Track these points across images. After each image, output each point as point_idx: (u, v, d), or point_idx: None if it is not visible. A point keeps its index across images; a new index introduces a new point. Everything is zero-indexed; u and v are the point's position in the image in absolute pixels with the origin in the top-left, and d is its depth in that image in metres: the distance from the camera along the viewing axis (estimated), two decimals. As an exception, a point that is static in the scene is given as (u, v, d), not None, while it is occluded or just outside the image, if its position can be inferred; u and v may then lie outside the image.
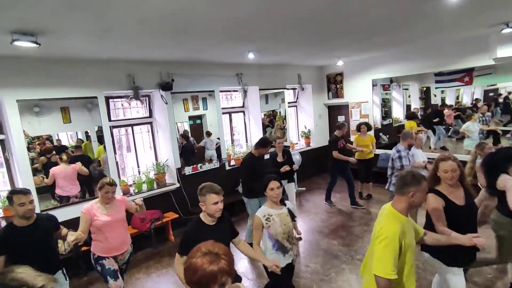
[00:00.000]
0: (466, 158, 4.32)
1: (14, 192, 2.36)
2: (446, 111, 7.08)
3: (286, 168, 4.46)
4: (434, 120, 7.11)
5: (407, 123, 6.78)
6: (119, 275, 2.85)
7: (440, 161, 2.31)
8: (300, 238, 4.61)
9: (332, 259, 3.95)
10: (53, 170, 4.16)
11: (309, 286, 3.42)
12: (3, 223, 3.78)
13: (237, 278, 2.54)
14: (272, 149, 4.66)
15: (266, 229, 2.49)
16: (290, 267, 2.69)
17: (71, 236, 2.50)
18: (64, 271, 2.73)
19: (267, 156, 4.79)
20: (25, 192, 2.38)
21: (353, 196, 5.73)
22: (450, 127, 7.19)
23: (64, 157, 4.25)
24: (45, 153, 4.13)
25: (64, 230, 2.75)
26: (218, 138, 5.94)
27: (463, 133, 6.25)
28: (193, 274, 1.16)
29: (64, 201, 4.24)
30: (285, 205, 2.63)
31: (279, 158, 4.71)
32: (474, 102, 6.98)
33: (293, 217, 2.63)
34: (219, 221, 2.26)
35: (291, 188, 4.80)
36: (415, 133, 4.86)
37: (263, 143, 4.24)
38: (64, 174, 4.25)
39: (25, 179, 3.78)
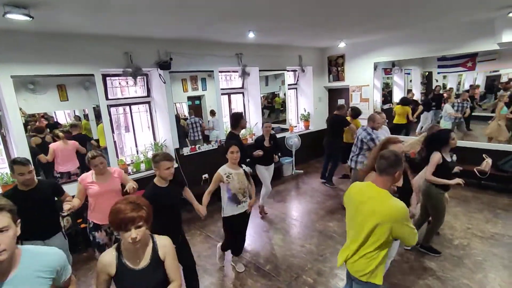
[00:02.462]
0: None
1: (15, 162, 2.58)
2: (445, 95, 7.02)
3: (258, 152, 4.49)
4: (433, 104, 7.10)
5: (400, 108, 6.82)
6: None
7: (387, 144, 2.69)
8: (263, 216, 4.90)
9: (326, 239, 4.03)
10: (52, 145, 4.17)
11: (303, 265, 3.51)
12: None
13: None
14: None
15: (226, 184, 3.10)
16: (245, 216, 3.33)
17: (66, 205, 2.71)
18: (64, 231, 2.99)
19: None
20: (25, 163, 2.58)
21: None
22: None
23: (61, 134, 4.23)
24: (37, 132, 4.09)
25: (68, 197, 2.96)
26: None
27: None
28: (116, 215, 1.52)
29: (65, 177, 4.26)
30: (241, 167, 3.25)
31: (266, 143, 4.72)
32: (469, 87, 6.94)
33: (248, 176, 3.24)
34: (170, 182, 2.63)
35: (270, 171, 4.84)
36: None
37: (239, 116, 4.42)
38: (63, 150, 4.25)
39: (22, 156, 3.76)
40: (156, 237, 1.72)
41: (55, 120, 4.35)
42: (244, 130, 4.45)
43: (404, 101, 6.94)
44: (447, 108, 6.38)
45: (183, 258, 2.56)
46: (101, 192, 2.99)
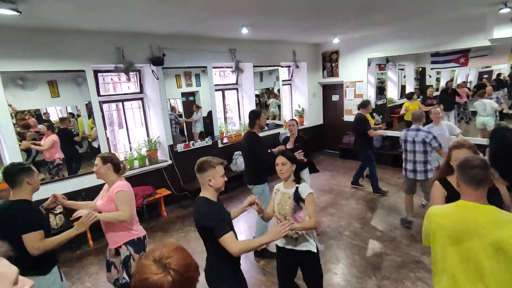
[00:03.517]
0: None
1: (30, 169, 2.06)
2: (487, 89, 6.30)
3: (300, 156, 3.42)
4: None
5: (417, 103, 6.43)
6: (111, 268, 2.52)
7: (453, 149, 2.19)
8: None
9: (321, 235, 4.05)
10: (52, 137, 4.20)
11: (297, 260, 3.53)
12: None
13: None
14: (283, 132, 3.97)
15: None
16: (294, 256, 2.32)
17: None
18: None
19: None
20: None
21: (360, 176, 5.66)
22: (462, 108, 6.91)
23: (44, 128, 4.21)
24: (25, 129, 4.04)
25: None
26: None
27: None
28: (137, 274, 0.95)
29: (49, 165, 4.25)
30: (298, 184, 2.32)
31: (289, 145, 3.99)
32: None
33: (297, 200, 2.25)
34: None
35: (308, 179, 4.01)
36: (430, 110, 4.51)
37: (257, 114, 3.64)
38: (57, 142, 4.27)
39: (12, 154, 3.71)
40: None
41: (44, 117, 4.29)
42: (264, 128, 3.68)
43: (409, 96, 6.67)
44: (491, 103, 5.89)
45: None
46: (98, 208, 2.41)
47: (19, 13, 2.71)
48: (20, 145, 3.83)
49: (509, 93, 6.56)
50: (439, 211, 1.63)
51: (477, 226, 1.44)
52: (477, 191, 1.48)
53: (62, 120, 4.41)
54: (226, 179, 1.97)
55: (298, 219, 2.24)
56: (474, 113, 6.43)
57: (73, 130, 4.54)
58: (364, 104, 5.31)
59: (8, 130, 3.67)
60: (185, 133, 5.84)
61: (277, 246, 2.40)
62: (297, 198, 2.24)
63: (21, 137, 3.96)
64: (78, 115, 4.54)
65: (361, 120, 5.20)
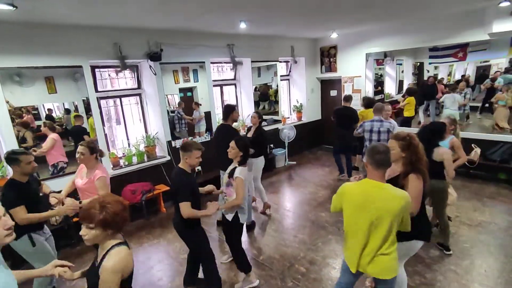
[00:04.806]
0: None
1: (21, 153, 2.56)
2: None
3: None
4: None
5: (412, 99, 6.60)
6: None
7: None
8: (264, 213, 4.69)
9: (319, 230, 4.08)
10: (53, 135, 4.13)
11: (296, 255, 3.56)
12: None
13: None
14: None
15: None
16: (223, 222, 2.99)
17: (53, 199, 2.77)
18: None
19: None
20: (28, 151, 2.65)
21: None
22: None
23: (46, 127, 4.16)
24: (24, 128, 3.98)
25: (44, 186, 2.99)
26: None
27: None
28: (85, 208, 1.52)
29: (54, 169, 4.19)
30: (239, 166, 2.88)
31: (249, 134, 4.54)
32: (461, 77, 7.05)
33: (230, 176, 2.83)
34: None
35: (259, 165, 4.44)
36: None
37: (232, 108, 4.18)
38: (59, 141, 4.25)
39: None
40: (112, 252, 1.51)
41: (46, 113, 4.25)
42: (236, 122, 4.29)
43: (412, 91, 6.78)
44: (459, 97, 6.30)
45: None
46: (79, 188, 2.91)
47: (15, 8, 2.68)
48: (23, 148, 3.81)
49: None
50: (349, 186, 2.06)
51: (374, 198, 1.89)
52: (378, 172, 1.92)
53: (77, 117, 4.37)
54: (200, 160, 2.61)
55: (227, 191, 2.86)
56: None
57: (86, 129, 4.47)
58: (347, 99, 5.76)
59: (7, 129, 3.66)
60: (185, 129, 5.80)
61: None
62: (230, 175, 2.83)
63: (22, 139, 3.92)
64: (76, 112, 4.49)
65: (350, 114, 5.65)
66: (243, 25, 4.66)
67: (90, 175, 2.83)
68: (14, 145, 3.69)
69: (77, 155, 2.81)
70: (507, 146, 5.09)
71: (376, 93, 7.43)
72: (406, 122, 6.65)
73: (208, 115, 5.89)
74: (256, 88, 7.06)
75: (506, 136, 5.27)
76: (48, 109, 4.25)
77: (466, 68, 7.25)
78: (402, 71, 8.18)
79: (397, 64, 7.93)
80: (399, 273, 2.16)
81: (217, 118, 6.04)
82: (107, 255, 1.50)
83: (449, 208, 3.52)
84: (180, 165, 2.62)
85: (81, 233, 1.48)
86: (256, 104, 6.90)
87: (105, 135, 4.67)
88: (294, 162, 7.09)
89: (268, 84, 7.40)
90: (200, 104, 5.83)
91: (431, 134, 3.05)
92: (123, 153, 5.00)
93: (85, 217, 1.46)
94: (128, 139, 5.25)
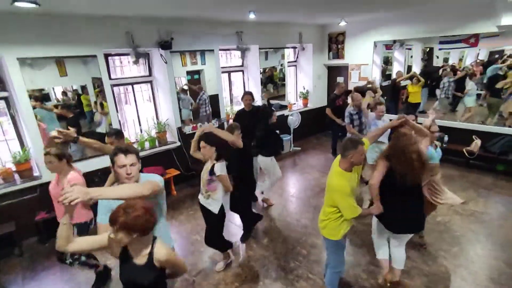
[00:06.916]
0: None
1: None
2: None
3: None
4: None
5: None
6: None
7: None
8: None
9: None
10: None
11: (298, 238, 3.85)
12: (17, 177, 4.04)
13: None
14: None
15: None
16: (208, 213, 3.13)
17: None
18: None
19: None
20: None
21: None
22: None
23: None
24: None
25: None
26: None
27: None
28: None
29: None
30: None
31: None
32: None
33: (211, 174, 2.95)
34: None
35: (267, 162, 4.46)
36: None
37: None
38: None
39: (33, 136, 3.96)
40: (157, 244, 1.67)
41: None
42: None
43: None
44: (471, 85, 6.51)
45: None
46: (52, 194, 2.77)
47: (38, 6, 2.83)
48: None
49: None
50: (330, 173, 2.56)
51: (331, 178, 2.44)
52: (341, 158, 2.40)
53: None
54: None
55: (209, 188, 2.99)
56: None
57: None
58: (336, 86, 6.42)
59: (29, 114, 3.90)
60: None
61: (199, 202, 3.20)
62: (210, 173, 2.94)
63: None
64: (85, 94, 4.62)
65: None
66: (252, 16, 4.72)
67: (64, 182, 2.66)
68: (36, 132, 3.94)
69: (46, 166, 2.67)
70: (508, 138, 5.22)
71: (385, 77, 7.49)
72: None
73: (214, 99, 6.01)
74: (264, 70, 7.17)
75: (507, 128, 5.35)
76: (63, 92, 4.42)
77: (478, 53, 7.12)
78: (411, 56, 8.12)
79: (406, 49, 7.87)
80: (401, 253, 2.82)
81: (225, 104, 6.19)
82: (155, 248, 1.64)
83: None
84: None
85: (110, 235, 1.58)
86: (264, 86, 7.08)
87: (118, 121, 4.88)
88: (299, 148, 7.29)
89: (275, 66, 7.47)
90: (202, 87, 5.98)
91: None
92: (136, 139, 5.24)
93: (110, 220, 1.53)
94: (140, 125, 5.47)
